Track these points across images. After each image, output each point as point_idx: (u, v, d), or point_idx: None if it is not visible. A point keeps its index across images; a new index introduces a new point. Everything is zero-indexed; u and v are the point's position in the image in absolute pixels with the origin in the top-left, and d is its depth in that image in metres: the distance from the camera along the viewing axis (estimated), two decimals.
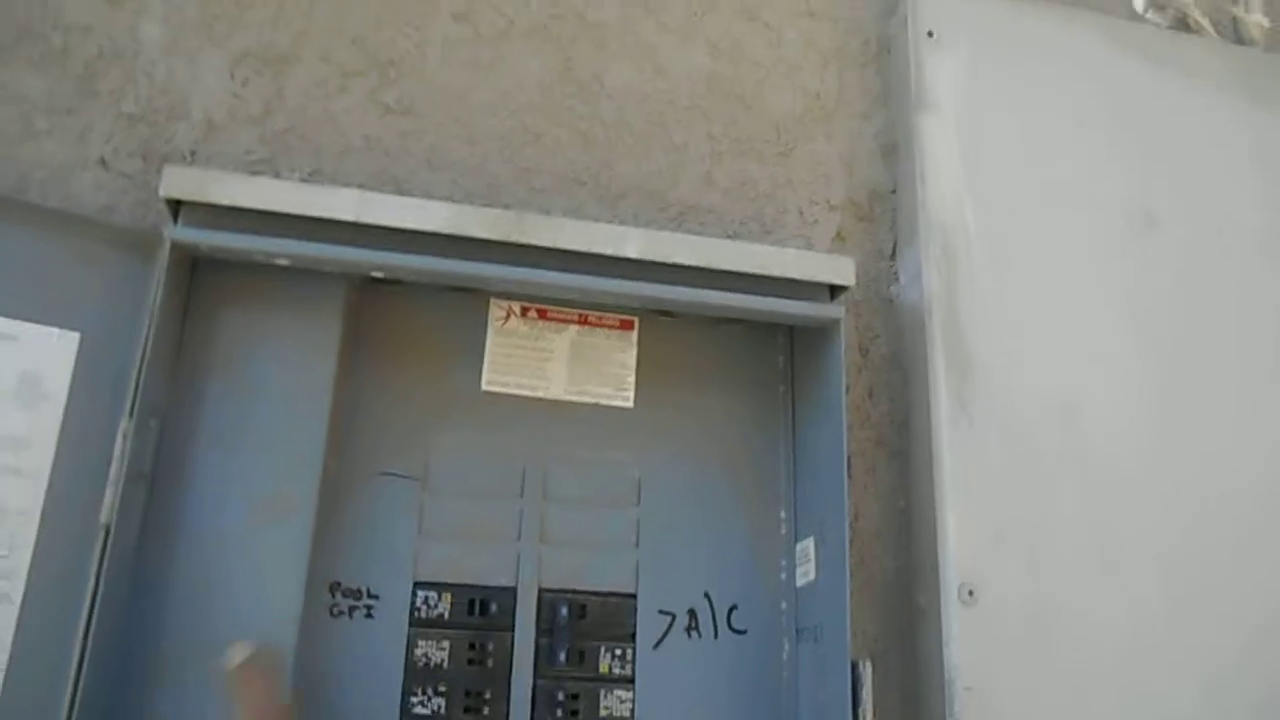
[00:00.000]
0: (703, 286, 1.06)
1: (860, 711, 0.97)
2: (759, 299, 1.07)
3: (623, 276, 1.04)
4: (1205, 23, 1.59)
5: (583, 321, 1.15)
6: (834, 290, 1.11)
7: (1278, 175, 1.43)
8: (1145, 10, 1.61)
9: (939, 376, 1.16)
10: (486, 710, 1.00)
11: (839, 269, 1.10)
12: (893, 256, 1.30)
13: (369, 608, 1.01)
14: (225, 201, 0.96)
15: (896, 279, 1.28)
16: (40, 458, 0.89)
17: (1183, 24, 1.60)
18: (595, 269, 1.04)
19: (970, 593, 1.07)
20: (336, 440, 1.02)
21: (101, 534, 0.88)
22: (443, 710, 0.99)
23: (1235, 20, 1.64)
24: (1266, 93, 1.49)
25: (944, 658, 1.07)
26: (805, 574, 1.09)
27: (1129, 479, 1.20)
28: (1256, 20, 1.63)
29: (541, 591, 1.05)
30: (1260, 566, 1.21)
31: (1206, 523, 1.21)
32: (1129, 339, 1.26)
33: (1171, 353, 1.27)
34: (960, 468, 1.13)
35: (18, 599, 0.86)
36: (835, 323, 1.08)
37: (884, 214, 1.32)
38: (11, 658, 0.84)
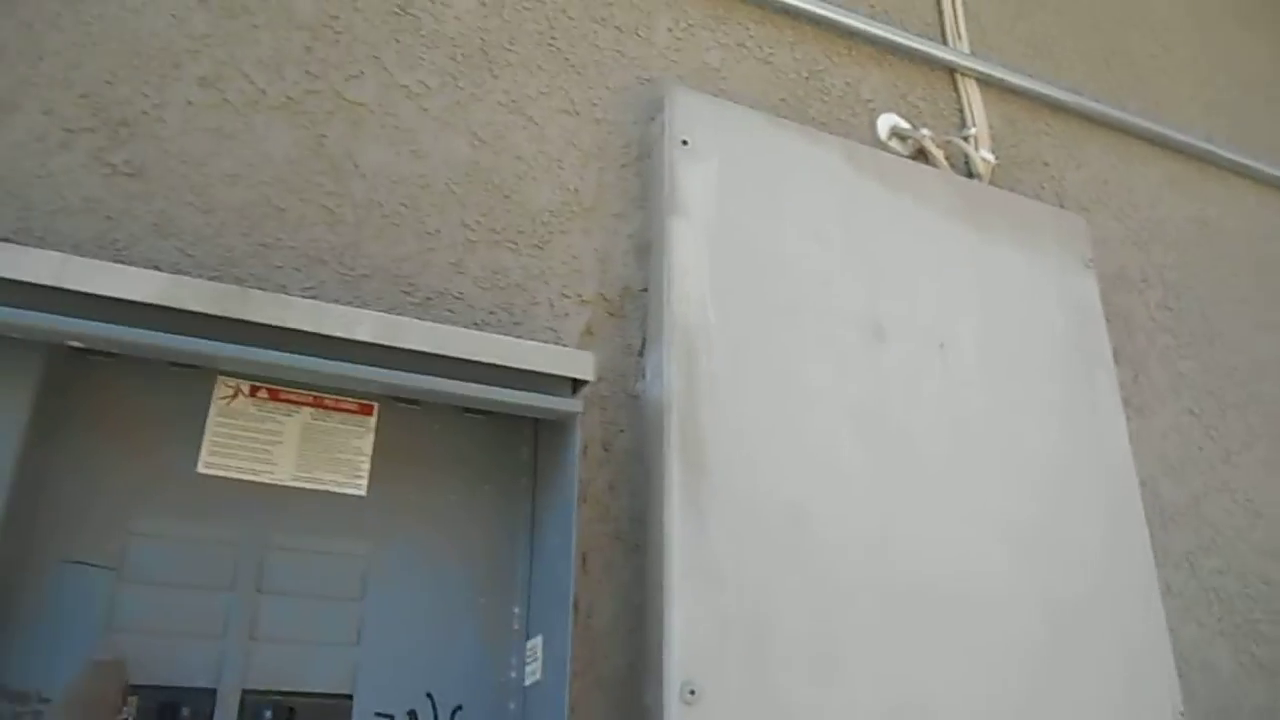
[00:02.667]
0: (442, 375, 1.04)
1: None
2: (497, 390, 1.06)
3: (357, 360, 1.01)
4: (939, 155, 1.75)
5: (317, 404, 1.10)
6: (575, 385, 1.11)
7: (993, 298, 1.56)
8: (888, 138, 1.75)
9: (674, 474, 1.17)
10: None
11: (579, 363, 1.11)
12: (641, 353, 1.32)
13: (37, 713, 0.90)
14: None
15: (643, 375, 1.30)
16: None
17: (920, 155, 1.75)
18: (327, 351, 1.00)
19: (692, 692, 1.07)
20: (16, 522, 0.92)
21: None
22: None
23: (966, 156, 1.81)
24: (987, 223, 1.64)
25: None
26: (533, 673, 1.06)
27: (850, 581, 1.24)
28: (983, 156, 1.81)
29: (244, 694, 0.97)
30: (978, 672, 1.27)
31: (924, 625, 1.27)
32: (855, 444, 1.32)
33: (893, 459, 1.34)
34: (690, 565, 1.14)
35: None
36: (573, 416, 1.09)
37: (635, 311, 1.34)
38: None
